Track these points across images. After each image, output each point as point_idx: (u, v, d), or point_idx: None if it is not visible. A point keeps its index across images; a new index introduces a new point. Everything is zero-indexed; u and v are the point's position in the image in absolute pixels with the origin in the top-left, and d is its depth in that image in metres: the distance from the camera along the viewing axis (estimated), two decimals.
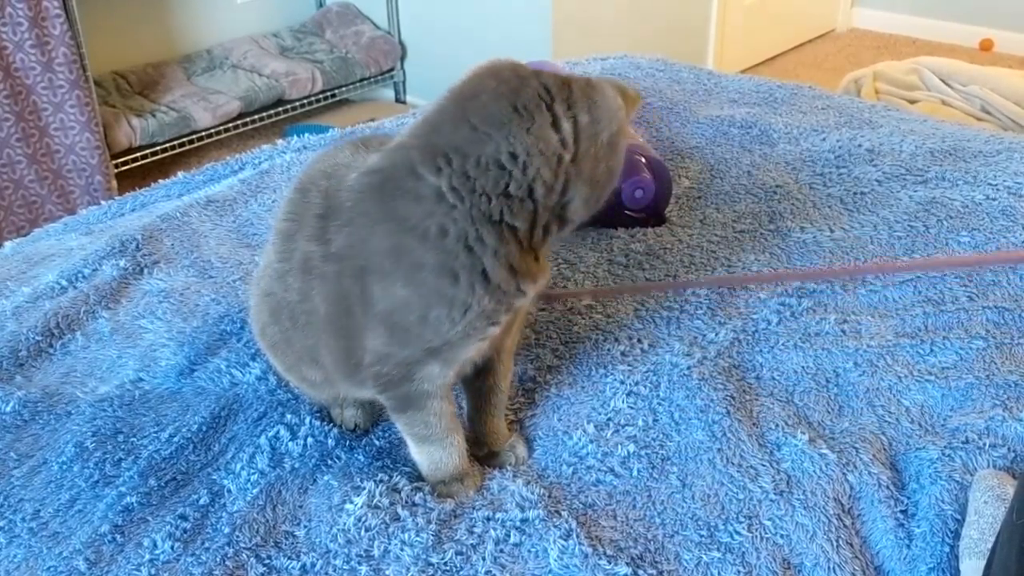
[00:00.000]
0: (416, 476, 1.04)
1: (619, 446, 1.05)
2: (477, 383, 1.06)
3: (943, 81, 2.67)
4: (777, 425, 1.07)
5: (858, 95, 2.71)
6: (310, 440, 1.07)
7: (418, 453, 1.03)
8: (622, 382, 1.14)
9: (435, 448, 1.01)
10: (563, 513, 0.98)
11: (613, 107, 0.94)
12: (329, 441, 1.08)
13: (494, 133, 0.89)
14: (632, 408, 1.10)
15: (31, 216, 2.76)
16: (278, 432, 1.08)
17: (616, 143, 0.95)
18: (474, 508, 0.99)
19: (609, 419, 1.09)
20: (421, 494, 1.01)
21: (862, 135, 1.72)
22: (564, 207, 0.94)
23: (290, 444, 1.07)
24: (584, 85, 0.94)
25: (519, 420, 1.13)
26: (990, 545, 0.87)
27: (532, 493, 1.00)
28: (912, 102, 2.63)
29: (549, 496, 1.00)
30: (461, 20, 3.38)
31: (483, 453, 1.07)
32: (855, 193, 1.54)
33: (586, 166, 0.93)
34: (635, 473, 1.03)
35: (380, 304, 0.91)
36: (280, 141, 1.82)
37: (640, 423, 1.08)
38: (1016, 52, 4.18)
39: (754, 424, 1.07)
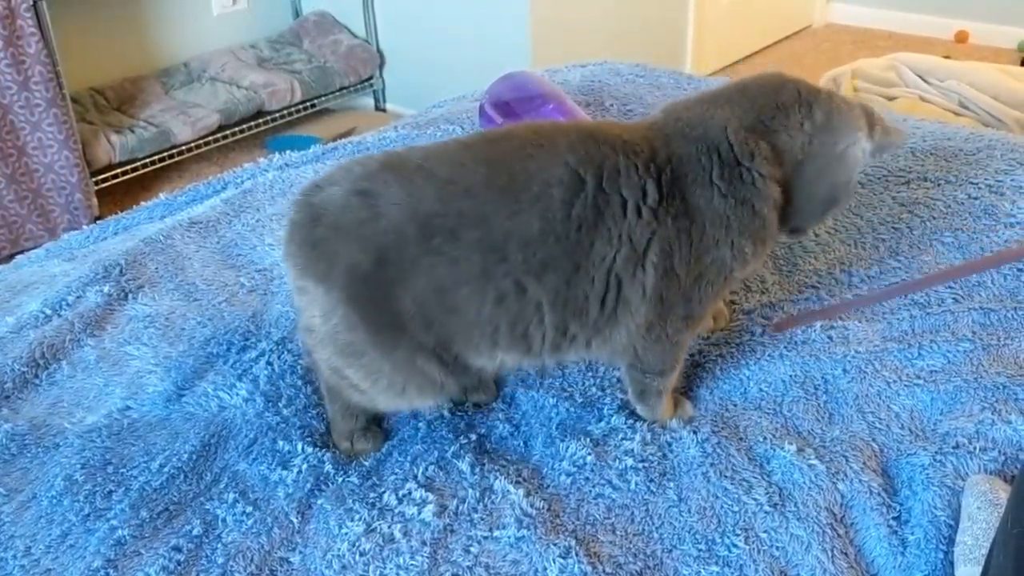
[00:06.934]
0: (404, 488, 1.04)
1: (617, 460, 1.06)
2: None
3: (920, 77, 2.68)
4: (765, 438, 1.07)
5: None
6: (304, 465, 1.07)
7: (656, 405, 1.10)
8: (613, 398, 1.14)
9: (670, 397, 1.12)
10: (562, 529, 0.98)
11: (853, 125, 1.06)
12: (321, 465, 1.07)
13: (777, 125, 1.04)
14: (629, 426, 1.10)
15: (12, 236, 2.73)
16: (271, 458, 1.08)
17: (847, 158, 1.06)
18: (472, 524, 0.99)
19: (606, 435, 1.09)
20: (414, 507, 1.01)
21: None
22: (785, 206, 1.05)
23: (282, 471, 1.06)
24: (831, 97, 1.07)
25: (515, 425, 1.13)
26: (985, 551, 0.87)
27: (532, 507, 1.00)
28: (890, 99, 2.64)
29: (548, 509, 1.00)
30: (438, 27, 3.37)
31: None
32: None
33: (810, 170, 1.04)
34: (633, 486, 1.03)
35: (714, 267, 1.03)
36: (263, 159, 1.80)
37: (638, 438, 1.08)
38: (991, 43, 4.21)
39: (741, 439, 1.08)
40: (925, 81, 2.69)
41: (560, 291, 0.98)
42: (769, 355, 1.20)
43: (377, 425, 1.13)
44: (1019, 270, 1.31)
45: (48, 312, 1.33)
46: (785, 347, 1.21)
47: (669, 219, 0.99)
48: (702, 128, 1.03)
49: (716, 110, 1.05)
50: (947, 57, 3.12)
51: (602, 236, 0.97)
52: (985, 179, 1.54)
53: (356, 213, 0.97)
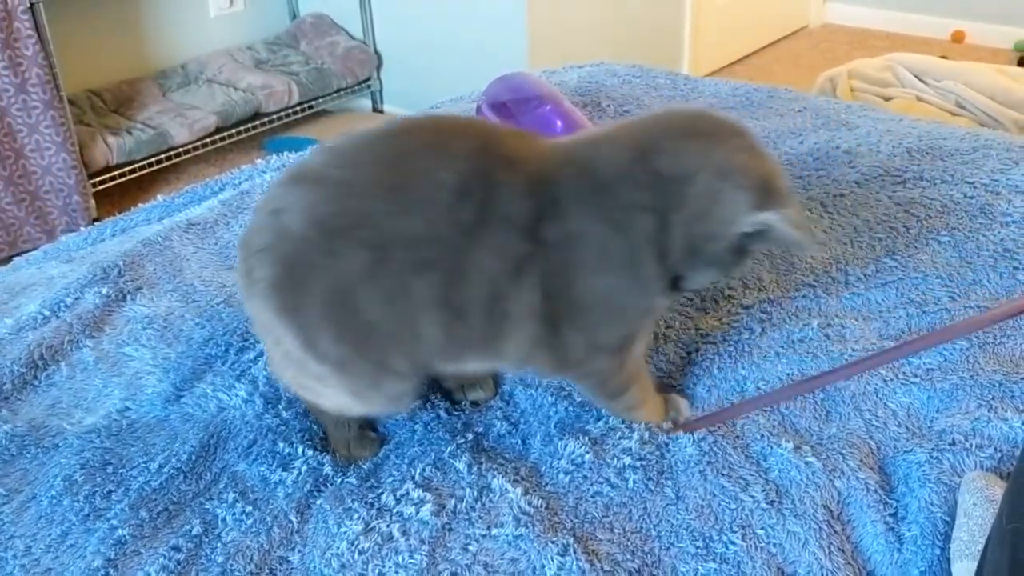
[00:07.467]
0: (402, 489, 1.04)
1: (615, 458, 1.06)
2: None
3: (917, 77, 2.69)
4: (762, 436, 1.07)
5: (833, 93, 2.73)
6: (303, 467, 1.07)
7: (629, 418, 1.10)
8: None
9: (647, 406, 1.10)
10: (560, 527, 0.98)
11: (748, 184, 0.97)
12: (321, 467, 1.08)
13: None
14: (626, 425, 1.11)
15: (9, 239, 2.74)
16: (270, 459, 1.08)
17: (724, 209, 0.97)
18: (470, 523, 1.00)
19: (605, 434, 1.10)
20: (412, 507, 1.02)
21: (839, 137, 1.73)
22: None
23: (282, 472, 1.07)
24: (753, 152, 1.00)
25: (513, 423, 1.14)
26: (980, 547, 0.88)
27: (530, 505, 1.01)
28: (887, 99, 2.65)
29: (547, 507, 1.01)
30: (436, 28, 3.38)
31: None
32: (834, 195, 1.55)
33: (691, 206, 0.97)
34: (631, 485, 1.03)
35: (588, 295, 0.99)
36: (260, 161, 1.81)
37: (636, 437, 1.08)
38: (987, 43, 4.23)
39: (737, 437, 1.08)
40: (922, 81, 2.70)
41: (443, 293, 0.96)
42: (765, 354, 1.21)
43: (372, 430, 1.13)
44: (1014, 268, 1.32)
45: (46, 313, 1.34)
46: (781, 346, 1.22)
47: (548, 242, 0.96)
48: (594, 149, 1.00)
49: (621, 131, 1.02)
50: (944, 57, 3.13)
51: (483, 247, 0.95)
52: (981, 178, 1.55)
53: (270, 233, 0.99)
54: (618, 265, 0.98)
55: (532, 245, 0.96)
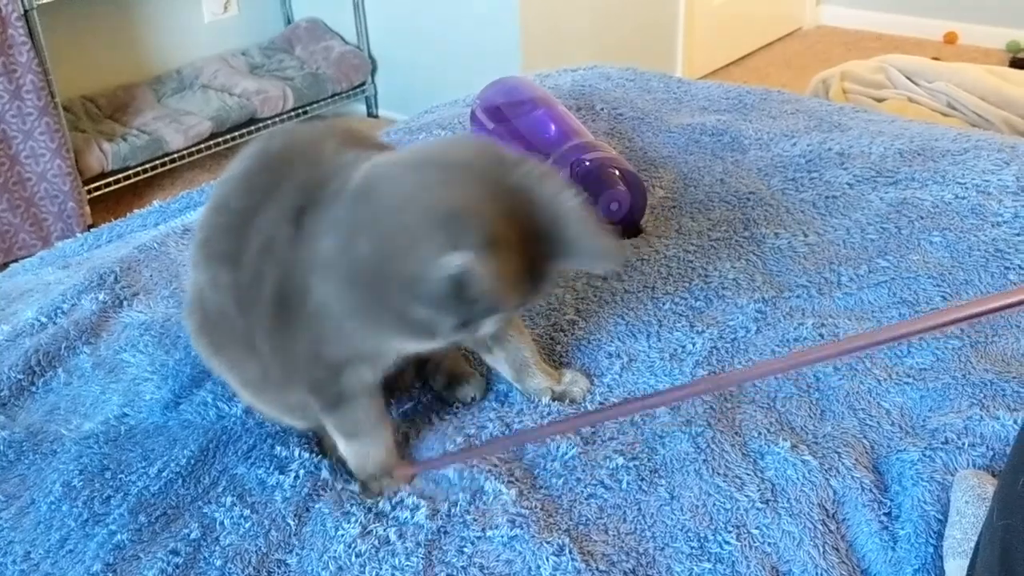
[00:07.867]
0: (396, 496, 1.04)
1: (608, 459, 1.06)
2: (500, 354, 1.15)
3: (909, 79, 2.71)
4: (760, 433, 1.08)
5: (826, 95, 2.75)
6: (301, 471, 1.08)
7: (346, 449, 1.06)
8: (605, 400, 1.15)
9: (362, 443, 1.05)
10: (555, 528, 0.99)
11: (441, 227, 0.87)
12: (318, 471, 1.08)
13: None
14: (616, 422, 1.11)
15: (4, 245, 2.75)
16: (268, 463, 1.09)
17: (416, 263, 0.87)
18: (465, 525, 1.00)
19: (595, 432, 1.10)
20: (407, 512, 1.02)
21: (832, 138, 1.74)
22: None
23: (280, 475, 1.07)
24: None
25: (507, 424, 1.14)
26: (973, 544, 0.88)
27: (524, 508, 1.01)
28: (879, 100, 2.67)
29: (541, 508, 1.01)
30: (430, 33, 3.39)
31: (551, 398, 1.15)
32: (827, 197, 1.56)
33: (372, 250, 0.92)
34: (624, 486, 1.04)
35: (313, 301, 0.97)
36: None
37: (628, 438, 1.09)
38: (980, 44, 4.25)
39: (736, 433, 1.09)
40: (914, 82, 2.71)
41: (233, 278, 1.02)
42: (762, 351, 1.22)
43: None
44: (1005, 267, 1.33)
45: (43, 320, 1.34)
46: (776, 345, 1.23)
47: (299, 249, 0.95)
48: (363, 169, 0.96)
49: (384, 154, 1.02)
50: (936, 59, 3.14)
51: (253, 229, 1.00)
52: (972, 179, 1.56)
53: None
54: (339, 278, 0.93)
55: (289, 229, 0.97)
